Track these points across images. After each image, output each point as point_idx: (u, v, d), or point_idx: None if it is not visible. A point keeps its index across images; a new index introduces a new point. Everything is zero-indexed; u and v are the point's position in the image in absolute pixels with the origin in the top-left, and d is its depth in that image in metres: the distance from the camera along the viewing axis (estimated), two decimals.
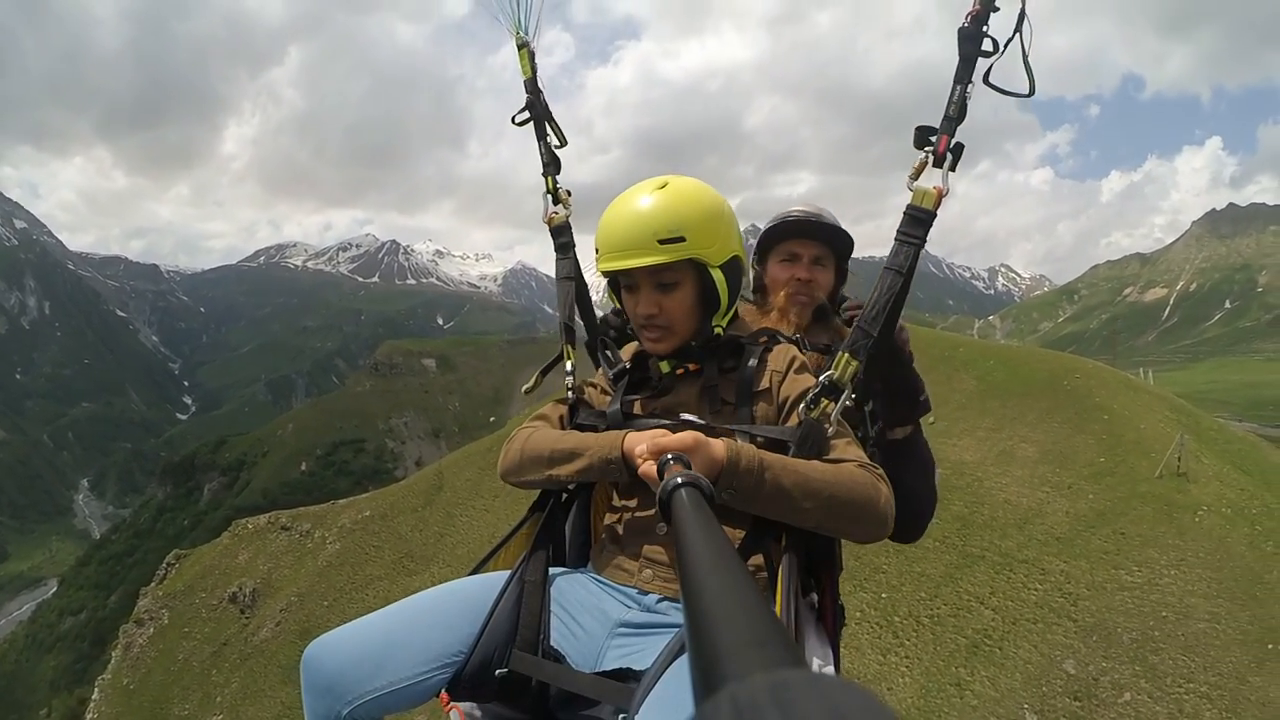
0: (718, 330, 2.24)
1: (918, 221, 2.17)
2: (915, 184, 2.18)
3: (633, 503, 2.17)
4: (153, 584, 57.34)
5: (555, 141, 2.69)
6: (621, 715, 1.77)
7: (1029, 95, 2.09)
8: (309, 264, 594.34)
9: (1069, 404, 27.10)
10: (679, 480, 1.32)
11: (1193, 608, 18.32)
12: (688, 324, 2.20)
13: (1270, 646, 15.65)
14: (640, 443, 1.89)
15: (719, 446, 1.81)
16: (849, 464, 1.99)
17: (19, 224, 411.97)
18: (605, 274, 2.22)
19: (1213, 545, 19.18)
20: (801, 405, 2.08)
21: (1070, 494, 22.98)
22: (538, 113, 2.66)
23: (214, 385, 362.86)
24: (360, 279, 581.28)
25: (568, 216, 2.63)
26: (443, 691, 1.93)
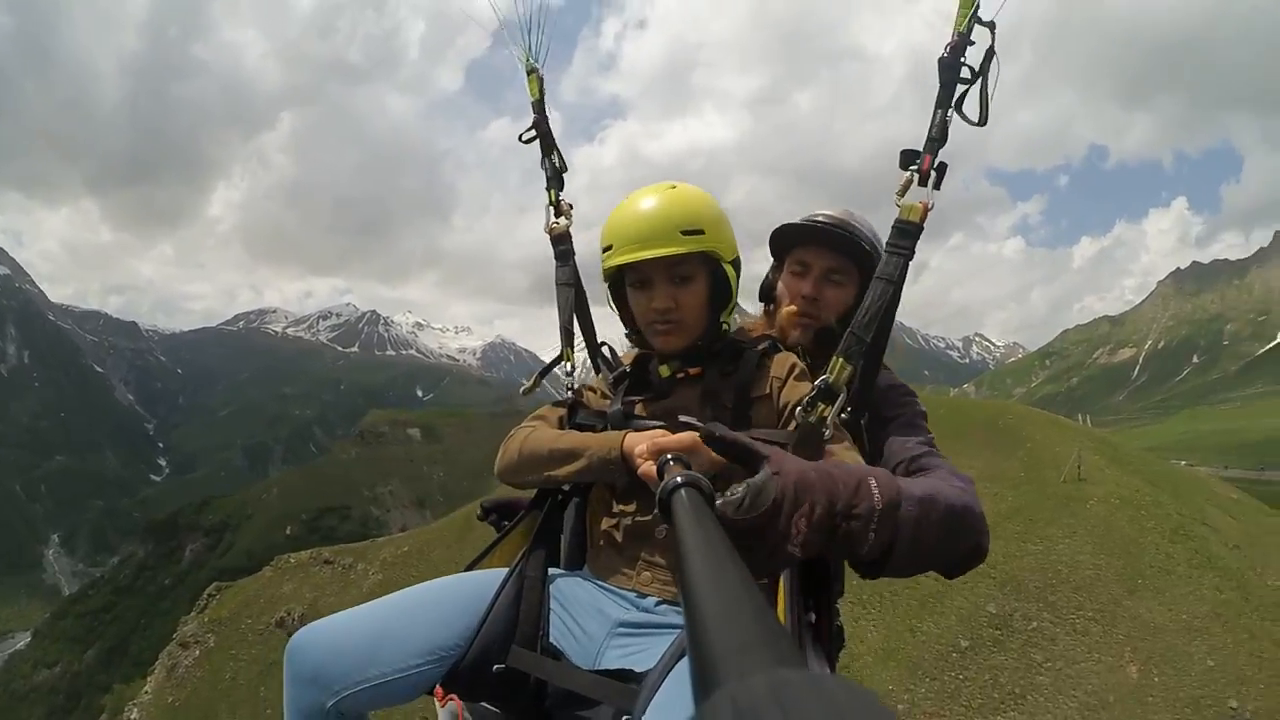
0: (725, 326, 2.26)
1: (905, 233, 2.20)
2: (902, 200, 2.23)
3: (631, 507, 2.11)
4: (193, 613, 60.38)
5: (558, 161, 2.79)
6: (625, 717, 1.74)
7: (981, 125, 2.17)
8: (289, 330, 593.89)
9: (1000, 437, 33.68)
10: (679, 480, 1.29)
11: (1081, 562, 24.62)
12: (699, 320, 2.20)
13: (1140, 581, 21.45)
14: (640, 443, 1.86)
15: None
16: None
17: (1, 270, 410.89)
18: (616, 269, 2.19)
19: (1099, 523, 24.79)
20: (799, 410, 2.06)
21: (994, 499, 28.27)
22: (543, 131, 2.78)
23: (190, 448, 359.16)
24: (340, 348, 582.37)
25: (568, 227, 2.71)
26: (437, 686, 1.91)
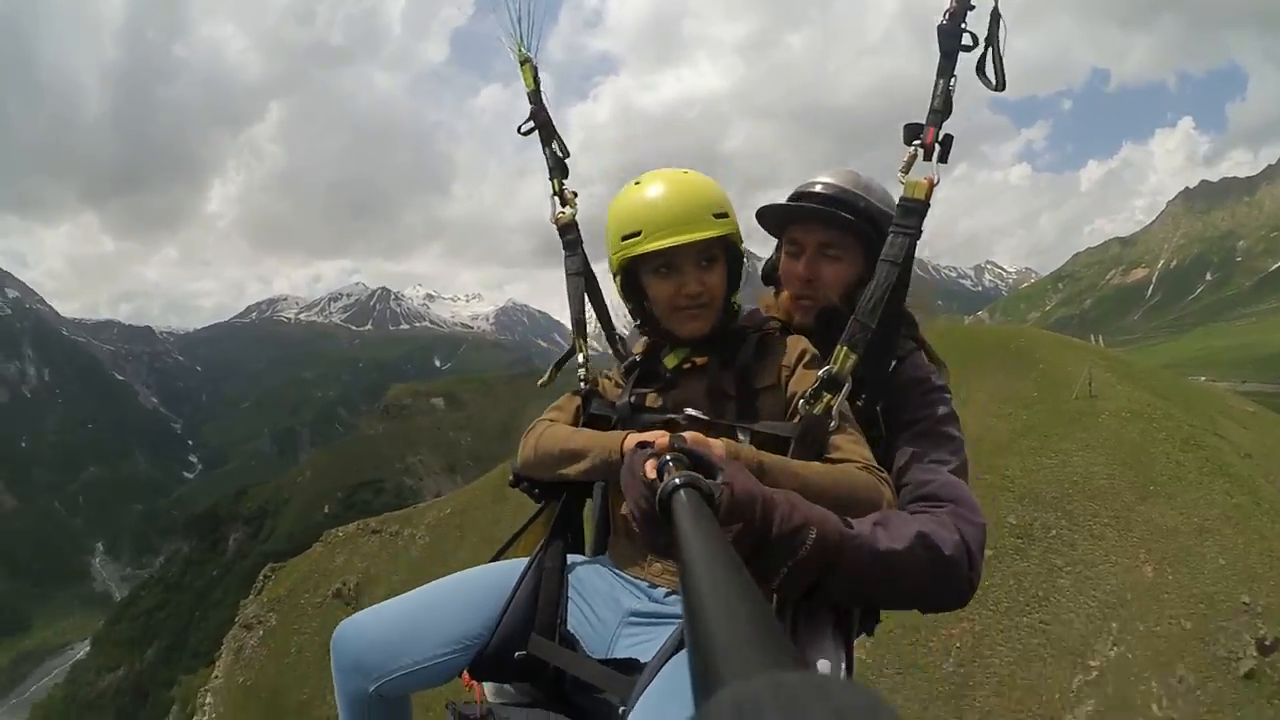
0: (736, 307, 2.29)
1: (911, 212, 2.16)
2: (906, 177, 2.18)
3: None
4: (251, 595, 62.91)
5: (559, 149, 2.74)
6: (622, 709, 1.83)
7: (999, 90, 2.13)
8: (301, 316, 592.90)
9: (1014, 360, 34.92)
10: (678, 481, 1.31)
11: (1095, 473, 25.99)
12: (722, 301, 2.23)
13: (1152, 488, 22.33)
14: (636, 442, 1.84)
15: (717, 447, 1.74)
16: (851, 465, 1.97)
17: (11, 293, 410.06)
18: (633, 257, 2.16)
19: (1111, 436, 25.55)
20: (802, 402, 2.07)
21: (1009, 419, 30.41)
22: (541, 121, 2.74)
23: (218, 442, 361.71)
24: (354, 327, 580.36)
25: (574, 215, 2.69)
26: (464, 672, 2.10)
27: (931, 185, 2.13)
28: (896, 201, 2.23)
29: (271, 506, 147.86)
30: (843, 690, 0.46)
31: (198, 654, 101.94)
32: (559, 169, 2.71)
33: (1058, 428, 27.85)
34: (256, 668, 59.61)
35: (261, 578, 68.93)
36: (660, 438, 1.68)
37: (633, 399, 2.25)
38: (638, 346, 2.42)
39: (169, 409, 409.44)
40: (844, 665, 2.02)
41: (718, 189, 2.18)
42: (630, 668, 1.93)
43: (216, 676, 60.07)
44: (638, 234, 2.11)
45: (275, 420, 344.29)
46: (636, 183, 2.20)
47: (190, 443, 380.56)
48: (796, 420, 2.06)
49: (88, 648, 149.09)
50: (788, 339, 2.25)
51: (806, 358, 2.19)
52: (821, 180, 2.52)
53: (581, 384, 2.44)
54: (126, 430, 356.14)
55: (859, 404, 2.18)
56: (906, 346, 2.41)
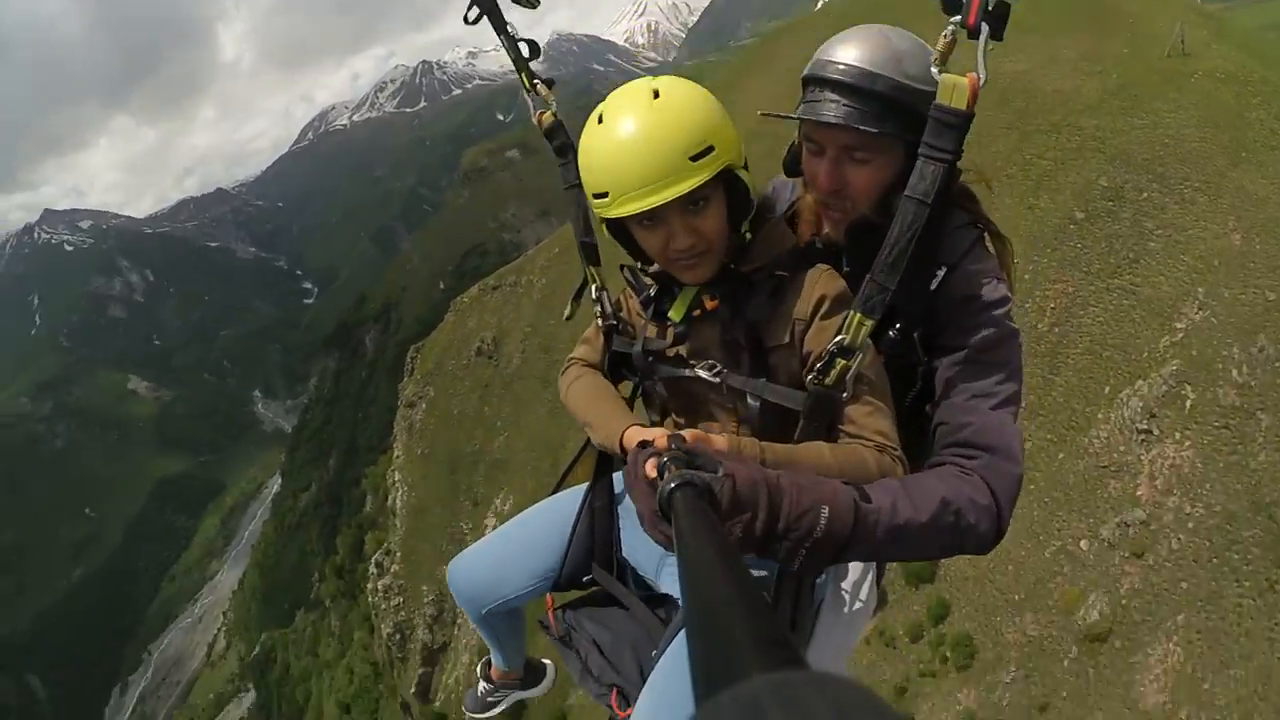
0: (746, 235, 2.06)
1: (945, 128, 1.78)
2: (942, 72, 1.78)
3: (682, 420, 2.23)
4: (405, 378, 64.97)
5: (515, 34, 2.39)
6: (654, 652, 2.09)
7: None
8: (354, 118, 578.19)
9: (1103, 16, 35.82)
10: (677, 481, 1.32)
11: (1186, 135, 24.90)
12: (724, 241, 2.00)
13: (1244, 155, 22.92)
14: (637, 441, 1.83)
15: (719, 443, 1.72)
16: (863, 447, 1.88)
17: (85, 224, 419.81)
18: (620, 219, 1.96)
19: (1204, 97, 26.12)
20: (809, 376, 1.92)
21: (1100, 76, 31.93)
22: (487, 6, 2.38)
23: (323, 264, 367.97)
24: (408, 110, 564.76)
25: (556, 113, 2.37)
26: (548, 595, 2.51)
27: (976, 87, 1.77)
28: (929, 116, 1.86)
29: (392, 300, 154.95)
30: (844, 689, 0.46)
31: (371, 448, 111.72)
32: (520, 61, 2.42)
33: (1148, 87, 28.44)
34: (429, 437, 62.73)
35: (409, 360, 71.62)
36: (660, 437, 1.67)
37: (646, 348, 2.19)
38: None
39: (268, 252, 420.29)
40: (874, 575, 2.38)
41: (697, 116, 1.86)
42: (674, 606, 2.25)
43: (398, 455, 63.06)
44: (604, 195, 1.91)
45: (367, 224, 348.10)
46: (600, 119, 1.92)
47: (298, 273, 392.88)
48: (807, 390, 1.96)
49: (279, 482, 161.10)
50: (805, 278, 2.05)
51: (825, 306, 2.01)
52: (838, 58, 2.04)
53: (597, 320, 2.36)
54: (239, 286, 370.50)
55: (891, 334, 2.03)
56: (960, 244, 2.09)
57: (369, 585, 63.24)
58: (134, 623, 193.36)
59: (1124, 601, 24.40)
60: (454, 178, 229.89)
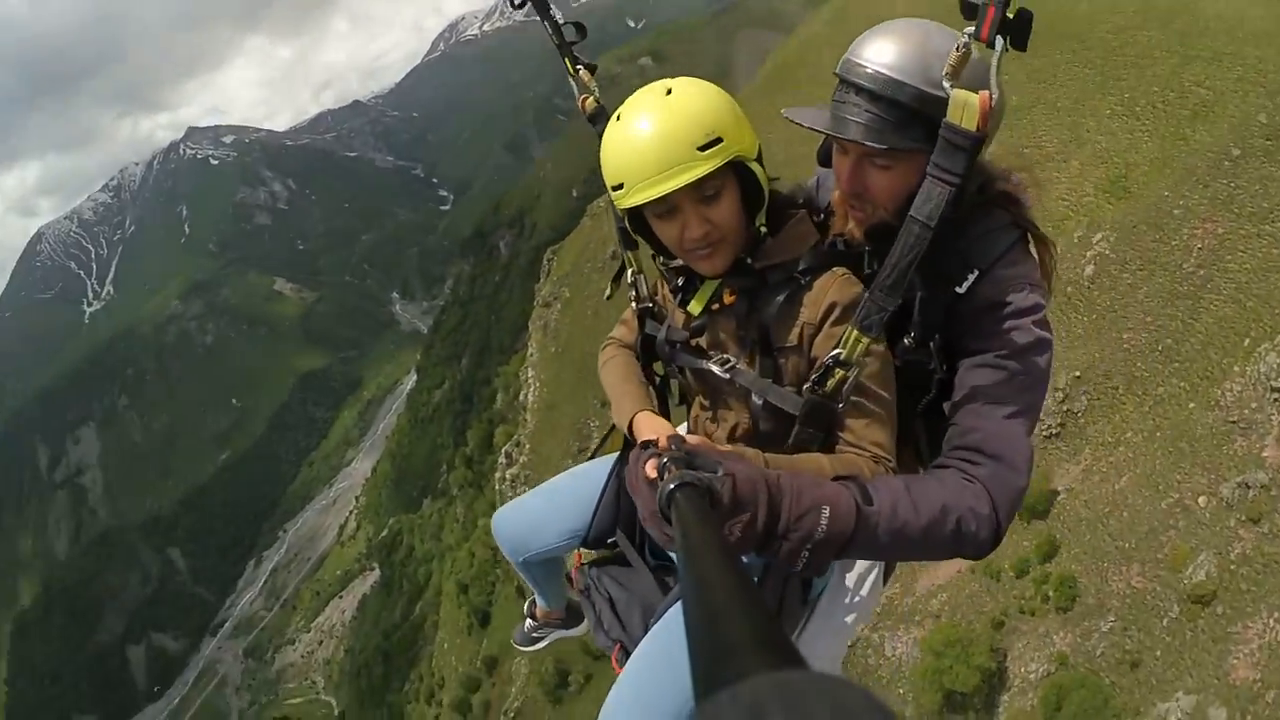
0: (761, 228, 2.09)
1: (954, 149, 1.74)
2: (954, 88, 1.73)
3: (708, 409, 2.32)
4: (541, 279, 66.50)
5: (560, 16, 2.47)
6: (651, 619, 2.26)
7: None
8: (484, 28, 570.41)
9: None
10: (677, 482, 1.33)
11: None
12: (739, 231, 2.05)
13: None
14: (645, 434, 2.09)
15: (722, 448, 1.79)
16: (859, 457, 1.93)
17: (228, 139, 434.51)
18: (633, 208, 2.02)
19: None
20: (805, 386, 1.98)
21: (1270, 4, 32.65)
22: None
23: (458, 173, 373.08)
24: (537, 18, 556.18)
25: (598, 99, 2.42)
26: (577, 551, 2.70)
27: (986, 107, 1.71)
28: (939, 134, 1.82)
29: (526, 206, 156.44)
30: (844, 689, 0.46)
31: (503, 348, 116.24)
32: (565, 47, 2.52)
33: None
34: (563, 337, 64.03)
35: (545, 262, 72.93)
36: (662, 436, 1.70)
37: (670, 340, 2.30)
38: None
39: (405, 160, 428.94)
40: (879, 572, 2.48)
41: (708, 110, 1.93)
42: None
43: (531, 353, 64.63)
44: (620, 186, 1.99)
45: (501, 132, 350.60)
46: (618, 117, 2.01)
47: (434, 180, 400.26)
48: (805, 395, 2.00)
49: (414, 378, 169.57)
50: (817, 284, 2.06)
51: (835, 313, 2.02)
52: (867, 59, 1.97)
53: (631, 304, 2.49)
54: (378, 194, 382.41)
55: (906, 341, 2.03)
56: (996, 247, 2.04)
57: (496, 475, 66.19)
58: (272, 504, 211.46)
59: (1232, 567, 23.84)
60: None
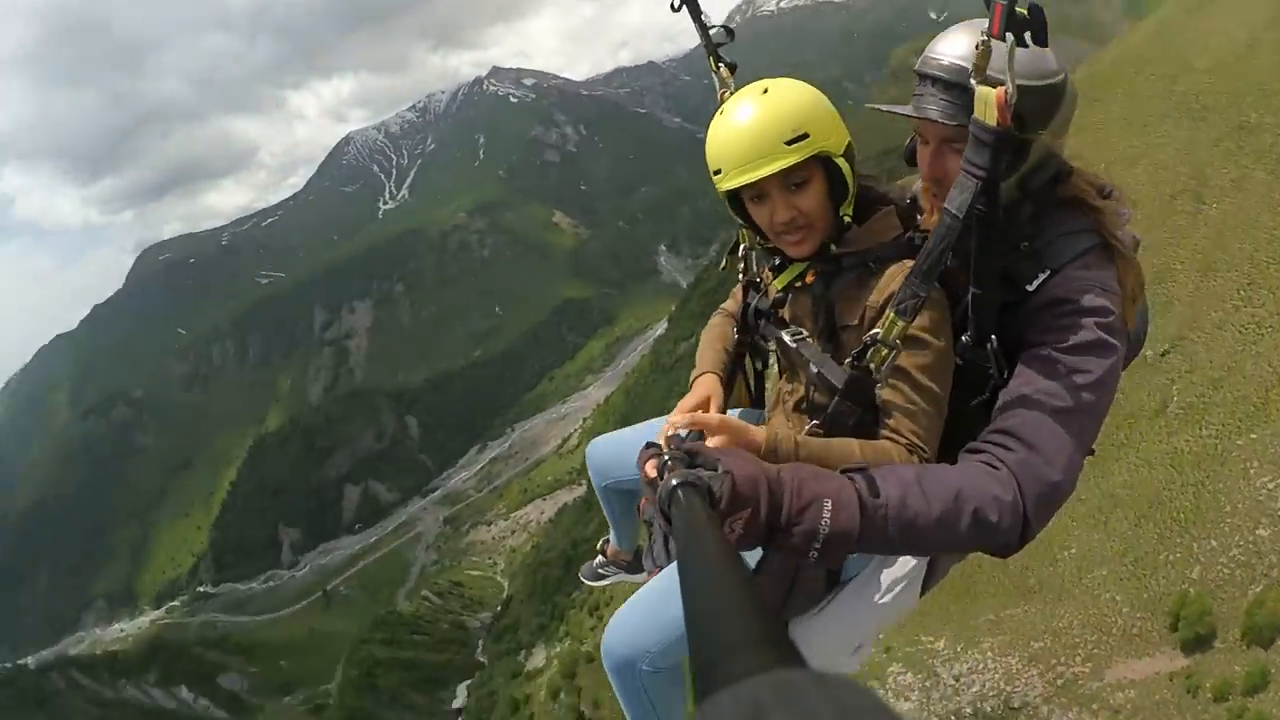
0: (846, 218, 2.20)
1: (979, 144, 1.79)
2: (979, 85, 1.76)
3: (791, 388, 2.42)
4: None
5: (710, 19, 2.66)
6: None
7: None
8: (782, 4, 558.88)
9: None
10: (674, 482, 1.34)
11: None
12: (825, 220, 2.17)
13: None
14: (694, 396, 2.37)
15: (757, 435, 1.85)
16: (893, 444, 1.98)
17: (529, 81, 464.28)
18: (731, 191, 2.16)
19: None
20: (848, 359, 2.07)
21: None
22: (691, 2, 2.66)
23: None
24: (837, 0, 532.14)
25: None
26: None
27: (1005, 103, 1.73)
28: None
29: None
30: (845, 688, 0.45)
31: None
32: (713, 50, 2.69)
33: None
34: None
35: None
36: (665, 436, 1.79)
37: (759, 310, 2.51)
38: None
39: (691, 123, 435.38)
40: (921, 573, 2.42)
41: (795, 109, 2.07)
42: None
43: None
44: (719, 171, 2.13)
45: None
46: (721, 112, 2.19)
47: None
48: (846, 369, 2.10)
49: (664, 326, 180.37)
50: (887, 272, 2.18)
51: (895, 300, 2.07)
52: (939, 53, 2.10)
53: (739, 276, 2.69)
54: (661, 150, 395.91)
55: (964, 339, 2.05)
56: (1070, 250, 2.08)
57: None
58: (508, 404, 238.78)
59: None
60: (879, 73, 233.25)
